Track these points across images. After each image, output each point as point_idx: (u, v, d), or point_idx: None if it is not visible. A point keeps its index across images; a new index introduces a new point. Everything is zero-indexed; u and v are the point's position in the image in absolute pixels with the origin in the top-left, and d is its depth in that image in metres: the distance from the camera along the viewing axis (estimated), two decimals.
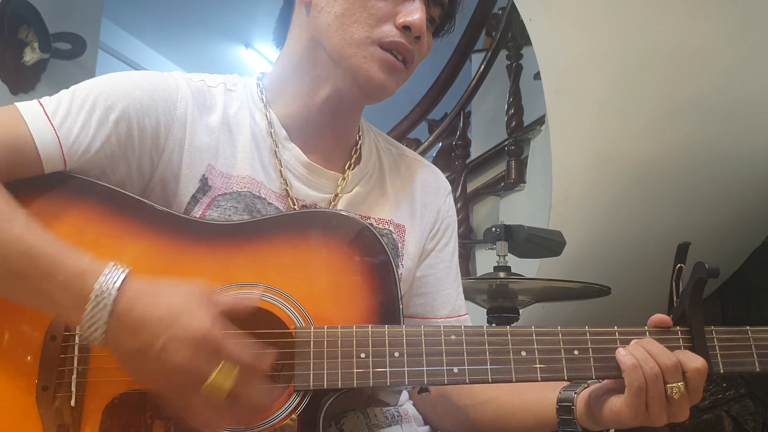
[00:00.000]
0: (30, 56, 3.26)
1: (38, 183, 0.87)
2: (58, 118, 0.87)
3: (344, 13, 0.92)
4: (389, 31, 0.92)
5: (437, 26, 1.00)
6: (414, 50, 0.95)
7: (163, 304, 0.75)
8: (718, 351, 0.88)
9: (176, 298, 0.76)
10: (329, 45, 0.94)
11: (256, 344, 0.79)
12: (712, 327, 0.88)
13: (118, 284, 0.75)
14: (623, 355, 0.83)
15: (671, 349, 0.85)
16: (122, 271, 0.77)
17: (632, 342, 0.85)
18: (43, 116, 0.86)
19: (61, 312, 0.80)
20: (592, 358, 0.86)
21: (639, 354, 0.83)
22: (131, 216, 0.88)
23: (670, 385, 0.81)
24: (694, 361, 0.82)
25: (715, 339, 0.88)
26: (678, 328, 0.88)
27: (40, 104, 0.88)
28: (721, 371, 0.87)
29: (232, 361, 0.75)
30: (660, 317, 0.88)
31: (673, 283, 0.89)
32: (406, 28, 0.92)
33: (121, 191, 0.89)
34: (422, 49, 0.97)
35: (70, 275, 0.76)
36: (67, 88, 0.92)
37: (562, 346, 0.86)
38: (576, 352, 0.86)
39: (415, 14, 0.92)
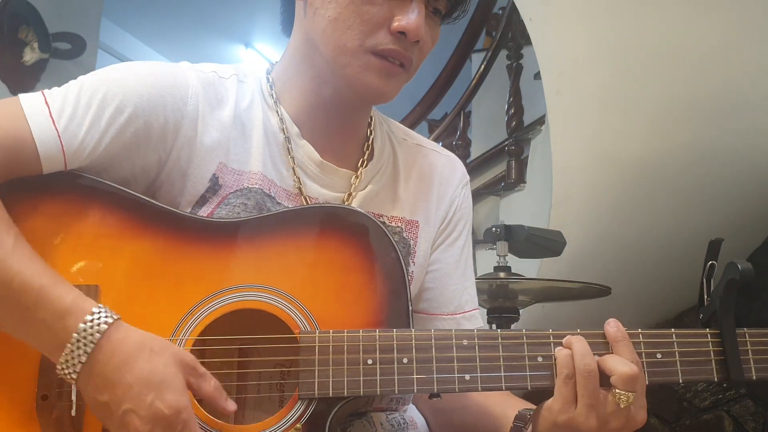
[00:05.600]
0: (30, 56, 3.27)
1: (37, 181, 0.84)
2: (63, 120, 0.84)
3: (337, 18, 0.88)
4: (383, 38, 0.88)
5: (446, 14, 0.94)
6: (411, 55, 0.90)
7: (138, 369, 0.73)
8: (750, 355, 0.83)
9: (155, 367, 0.74)
10: (324, 51, 0.91)
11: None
12: (745, 329, 0.84)
13: (101, 332, 0.74)
14: (564, 341, 0.81)
15: (701, 353, 0.82)
16: (107, 318, 0.74)
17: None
18: (47, 118, 0.83)
19: (42, 349, 0.77)
20: None
21: (579, 348, 0.80)
22: (131, 215, 0.85)
23: (619, 392, 0.78)
24: (623, 366, 0.79)
25: (747, 342, 0.83)
26: (708, 330, 0.84)
27: (46, 103, 0.84)
28: (753, 377, 0.83)
29: None
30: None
31: (704, 281, 0.85)
32: (401, 33, 0.88)
33: (122, 189, 0.86)
34: (423, 49, 0.93)
35: (52, 314, 0.74)
36: None
37: None
38: (597, 357, 0.81)
39: (410, 19, 0.87)
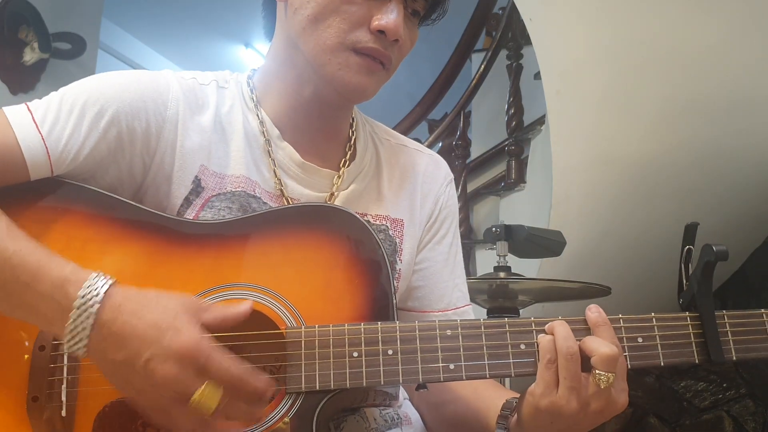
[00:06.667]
0: (30, 56, 3.27)
1: (25, 188, 0.85)
2: (46, 125, 0.86)
3: (317, 17, 0.89)
4: (362, 37, 0.89)
5: (424, 15, 0.96)
6: (391, 54, 0.92)
7: (148, 317, 0.74)
8: (730, 337, 0.84)
9: (163, 311, 0.74)
10: (305, 49, 0.92)
11: (245, 364, 0.77)
12: (724, 311, 0.84)
13: (102, 293, 0.74)
14: (546, 327, 0.81)
15: (681, 336, 0.83)
16: (106, 281, 0.75)
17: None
18: (31, 124, 0.85)
19: (44, 323, 0.78)
20: None
21: (561, 332, 0.80)
22: (118, 219, 0.87)
23: (600, 373, 0.77)
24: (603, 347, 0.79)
25: (727, 324, 0.84)
26: (687, 314, 0.84)
27: (29, 110, 0.87)
28: (734, 358, 0.83)
29: (218, 379, 0.73)
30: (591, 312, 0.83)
31: (682, 266, 0.85)
32: (380, 32, 0.89)
33: (107, 194, 0.88)
34: (402, 49, 0.94)
35: (52, 285, 0.75)
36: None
37: None
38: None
39: (390, 18, 0.88)
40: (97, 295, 0.74)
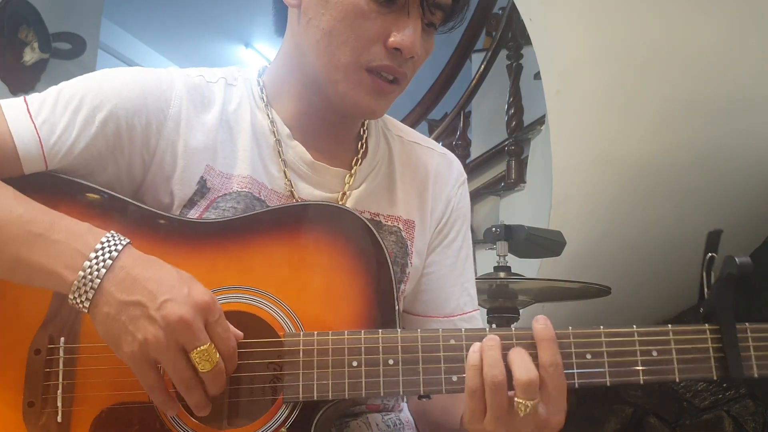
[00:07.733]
0: (30, 56, 3.27)
1: (21, 184, 0.83)
2: (41, 117, 0.84)
3: (332, 31, 0.85)
4: (377, 54, 0.86)
5: (441, 23, 0.92)
6: (405, 70, 0.88)
7: (168, 269, 0.76)
8: (752, 351, 0.78)
9: (179, 272, 0.76)
10: (317, 63, 0.89)
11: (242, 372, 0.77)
12: (747, 324, 0.78)
13: (124, 243, 0.76)
14: (473, 352, 0.76)
15: (699, 350, 0.78)
16: (123, 238, 0.77)
17: (492, 345, 0.76)
18: (25, 114, 0.84)
19: (57, 264, 0.75)
20: (606, 362, 0.77)
21: (489, 357, 0.75)
22: (115, 217, 0.84)
23: (519, 400, 0.73)
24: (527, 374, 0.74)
25: (749, 338, 0.78)
26: (707, 326, 0.79)
27: (25, 102, 0.85)
28: (755, 375, 0.77)
29: (219, 344, 0.75)
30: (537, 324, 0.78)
31: (704, 274, 0.81)
32: (396, 49, 0.86)
33: (104, 191, 0.86)
34: (417, 63, 0.91)
35: (68, 235, 0.76)
36: None
37: (573, 349, 0.77)
38: (588, 356, 0.77)
39: (406, 35, 0.85)
40: (118, 244, 0.76)
